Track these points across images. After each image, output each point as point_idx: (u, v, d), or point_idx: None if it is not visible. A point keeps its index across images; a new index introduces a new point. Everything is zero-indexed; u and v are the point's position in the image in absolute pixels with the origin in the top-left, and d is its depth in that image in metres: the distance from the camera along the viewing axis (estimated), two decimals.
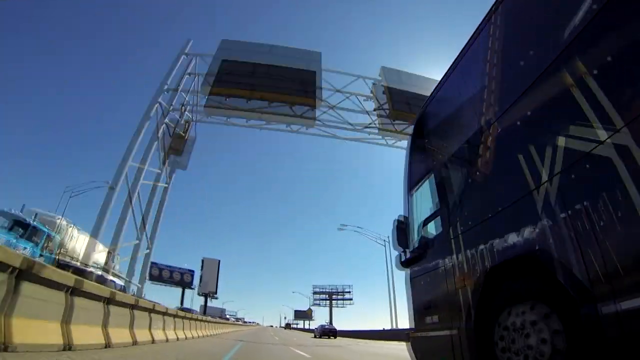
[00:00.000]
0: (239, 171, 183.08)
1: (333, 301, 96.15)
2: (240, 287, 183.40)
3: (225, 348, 10.49)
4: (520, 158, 2.73)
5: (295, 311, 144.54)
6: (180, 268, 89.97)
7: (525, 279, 2.65)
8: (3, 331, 3.51)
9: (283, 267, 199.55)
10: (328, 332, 33.07)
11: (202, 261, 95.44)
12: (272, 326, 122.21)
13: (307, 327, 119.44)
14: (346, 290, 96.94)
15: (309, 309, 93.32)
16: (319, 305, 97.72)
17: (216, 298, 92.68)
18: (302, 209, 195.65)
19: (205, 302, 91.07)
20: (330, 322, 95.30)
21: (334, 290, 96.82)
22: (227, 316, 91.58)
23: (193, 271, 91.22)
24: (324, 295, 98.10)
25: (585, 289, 2.01)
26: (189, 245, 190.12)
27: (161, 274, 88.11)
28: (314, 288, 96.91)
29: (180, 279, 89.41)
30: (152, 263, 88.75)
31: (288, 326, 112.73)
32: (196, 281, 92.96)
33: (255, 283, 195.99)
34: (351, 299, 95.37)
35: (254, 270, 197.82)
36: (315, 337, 33.58)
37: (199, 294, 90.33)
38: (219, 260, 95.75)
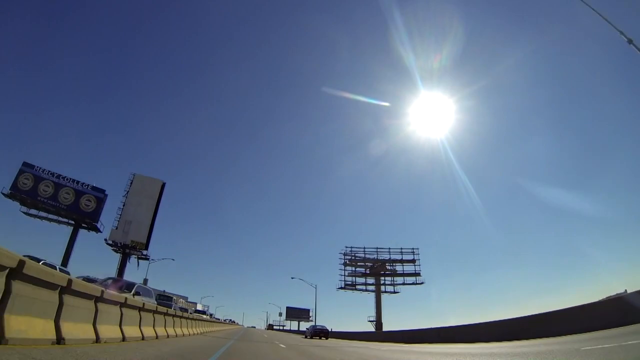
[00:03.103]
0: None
1: (383, 277, 50.51)
2: (215, 278, 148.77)
3: None
4: None
5: (288, 308, 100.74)
6: (77, 182, 43.01)
7: None
8: None
9: (272, 260, 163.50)
10: (320, 332, 31.96)
11: (131, 180, 48.14)
12: (254, 327, 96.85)
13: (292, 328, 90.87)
14: (407, 257, 51.60)
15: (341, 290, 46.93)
16: (353, 288, 51.49)
17: (145, 258, 45.14)
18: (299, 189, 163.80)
19: (123, 262, 43.72)
20: (379, 318, 50.70)
21: (386, 259, 51.17)
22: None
23: (104, 193, 43.95)
24: (364, 268, 52.34)
25: None
26: None
27: (37, 189, 40.90)
28: (344, 256, 51.19)
29: (74, 205, 42.22)
30: (25, 165, 40.35)
31: (270, 327, 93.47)
32: (109, 218, 46.15)
33: (235, 276, 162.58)
34: (418, 274, 50.06)
35: (234, 261, 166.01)
36: (306, 337, 33.17)
37: (110, 244, 43.08)
38: (164, 184, 48.51)
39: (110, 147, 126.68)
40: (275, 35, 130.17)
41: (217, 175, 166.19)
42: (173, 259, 46.77)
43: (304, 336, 36.42)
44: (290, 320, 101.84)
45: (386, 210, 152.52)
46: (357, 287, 50.98)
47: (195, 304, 55.89)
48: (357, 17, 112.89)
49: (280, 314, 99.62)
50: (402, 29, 64.11)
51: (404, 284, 50.55)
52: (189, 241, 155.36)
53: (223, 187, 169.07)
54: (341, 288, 50.85)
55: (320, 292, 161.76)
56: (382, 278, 50.61)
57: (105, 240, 42.39)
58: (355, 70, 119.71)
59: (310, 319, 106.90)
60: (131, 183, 46.98)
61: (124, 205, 45.24)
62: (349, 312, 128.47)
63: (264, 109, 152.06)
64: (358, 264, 51.57)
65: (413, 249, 52.82)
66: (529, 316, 15.33)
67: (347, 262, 51.51)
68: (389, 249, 51.79)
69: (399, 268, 51.44)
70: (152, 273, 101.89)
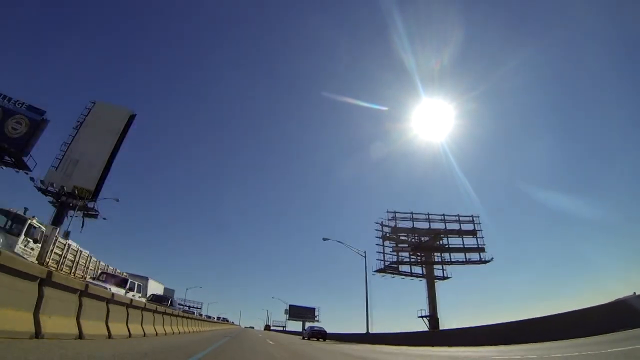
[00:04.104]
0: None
1: (438, 252, 37.12)
2: (211, 274, 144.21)
3: None
4: None
5: (291, 307, 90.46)
6: (8, 98, 29.06)
7: None
8: None
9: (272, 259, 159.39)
10: (317, 333, 31.38)
11: (89, 109, 34.17)
12: (252, 327, 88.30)
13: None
14: (466, 228, 38.53)
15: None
16: (395, 272, 37.88)
17: (92, 214, 30.80)
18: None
19: (59, 218, 29.66)
20: (433, 312, 34.96)
21: (440, 228, 37.87)
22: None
23: (42, 116, 29.67)
24: (407, 244, 38.84)
25: None
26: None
27: None
28: (383, 226, 37.82)
29: None
30: None
31: (267, 328, 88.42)
32: (50, 157, 31.80)
33: (234, 272, 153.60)
34: (482, 249, 36.88)
35: (232, 257, 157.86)
36: (303, 338, 32.82)
37: (42, 189, 29.13)
38: (133, 115, 34.56)
39: None
40: (275, 38, 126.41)
41: (217, 172, 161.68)
42: (117, 200, 31.28)
43: (301, 337, 35.71)
44: (296, 320, 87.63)
45: (387, 211, 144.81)
46: (402, 268, 37.32)
47: (146, 278, 36.38)
48: (358, 21, 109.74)
49: (287, 311, 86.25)
50: (402, 32, 62.74)
51: (466, 262, 37.12)
52: (182, 231, 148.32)
53: (222, 182, 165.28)
54: (380, 270, 37.05)
55: (338, 286, 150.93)
56: (437, 255, 37.18)
57: (32, 179, 28.11)
58: (356, 74, 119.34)
59: (316, 318, 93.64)
60: (88, 112, 33.09)
61: (72, 140, 31.28)
62: (390, 306, 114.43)
63: (263, 110, 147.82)
64: (401, 237, 38.02)
65: (472, 216, 39.63)
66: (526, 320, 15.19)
67: (388, 235, 37.91)
68: (443, 215, 38.47)
69: (454, 242, 38.17)
70: (137, 263, 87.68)
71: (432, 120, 69.80)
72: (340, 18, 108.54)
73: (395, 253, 37.43)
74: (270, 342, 16.75)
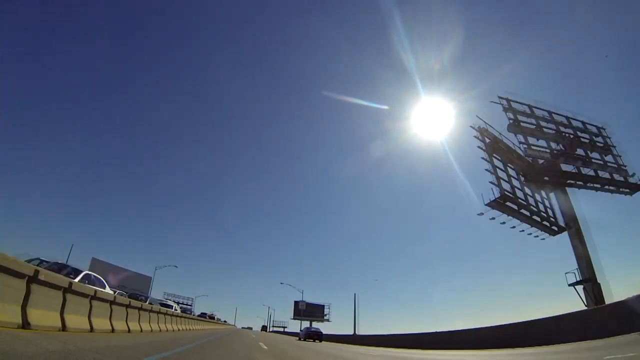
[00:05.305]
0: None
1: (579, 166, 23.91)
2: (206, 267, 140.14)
3: None
4: None
5: (297, 304, 78.18)
6: None
7: None
8: None
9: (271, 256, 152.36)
10: (313, 335, 32.10)
11: None
12: (250, 328, 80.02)
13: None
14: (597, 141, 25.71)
15: None
16: (523, 205, 23.63)
17: None
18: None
19: None
20: (591, 274, 22.03)
21: (569, 133, 24.61)
22: None
23: None
24: (519, 162, 25.28)
25: None
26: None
27: None
28: (482, 132, 23.79)
29: None
30: None
31: (264, 329, 78.86)
32: None
33: (232, 268, 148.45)
34: (623, 170, 24.35)
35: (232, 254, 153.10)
36: (299, 339, 32.75)
37: None
38: None
39: None
40: (275, 38, 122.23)
41: (217, 172, 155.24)
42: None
43: (297, 338, 35.55)
44: (303, 320, 72.08)
45: (386, 212, 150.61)
46: (521, 202, 22.99)
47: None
48: (358, 21, 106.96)
49: (296, 303, 71.66)
50: (402, 32, 63.54)
51: (613, 186, 24.28)
52: (182, 231, 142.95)
53: (222, 182, 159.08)
54: (495, 203, 22.52)
55: (345, 286, 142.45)
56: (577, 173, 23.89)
57: None
58: (356, 73, 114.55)
59: (326, 317, 79.38)
60: None
61: None
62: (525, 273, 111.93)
63: (263, 110, 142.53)
64: (514, 150, 23.94)
65: (598, 127, 27.42)
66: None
67: (497, 144, 23.60)
68: (567, 117, 25.50)
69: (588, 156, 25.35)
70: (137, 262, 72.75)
71: (432, 119, 64.74)
72: (340, 18, 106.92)
73: (513, 174, 23.56)
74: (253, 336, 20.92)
